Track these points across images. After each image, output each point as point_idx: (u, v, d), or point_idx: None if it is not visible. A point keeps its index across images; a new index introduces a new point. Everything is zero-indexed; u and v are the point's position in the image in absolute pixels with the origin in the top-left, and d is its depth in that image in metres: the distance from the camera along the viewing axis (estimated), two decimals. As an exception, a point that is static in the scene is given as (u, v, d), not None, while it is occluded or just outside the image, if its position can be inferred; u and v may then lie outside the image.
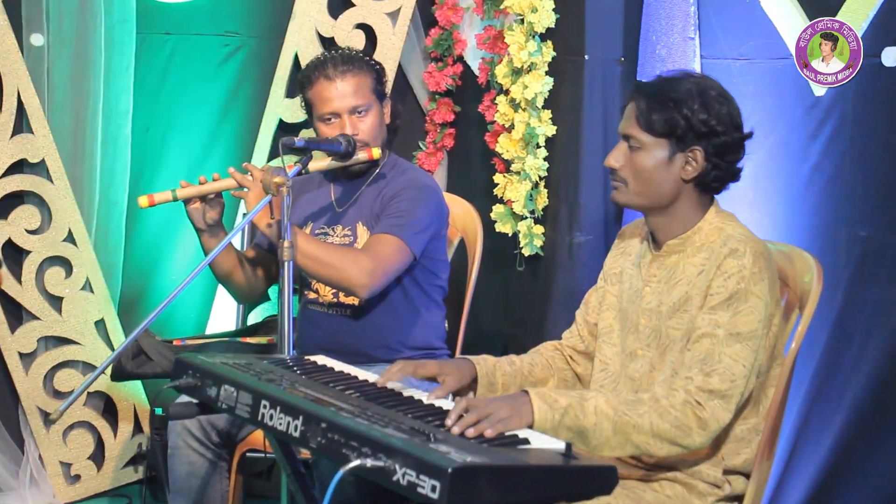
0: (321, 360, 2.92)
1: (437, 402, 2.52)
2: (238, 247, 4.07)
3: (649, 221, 2.83)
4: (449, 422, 2.34)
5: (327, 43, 4.48)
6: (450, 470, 1.95)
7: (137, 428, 4.57)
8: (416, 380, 2.77)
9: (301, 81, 3.60)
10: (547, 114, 4.22)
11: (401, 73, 4.57)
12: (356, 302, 3.52)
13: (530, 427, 2.44)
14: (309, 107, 3.57)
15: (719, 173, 2.74)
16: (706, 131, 2.69)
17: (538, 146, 4.22)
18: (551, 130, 4.22)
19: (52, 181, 4.36)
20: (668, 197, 2.76)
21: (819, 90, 3.77)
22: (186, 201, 3.36)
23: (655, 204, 2.78)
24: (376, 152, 3.49)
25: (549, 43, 4.21)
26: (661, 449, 2.57)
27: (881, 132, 3.69)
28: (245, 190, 3.30)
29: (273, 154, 4.49)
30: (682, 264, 2.76)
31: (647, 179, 2.74)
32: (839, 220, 3.76)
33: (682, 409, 2.56)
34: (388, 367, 2.71)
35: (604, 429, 2.52)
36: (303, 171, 3.28)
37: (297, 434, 2.30)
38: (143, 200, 3.33)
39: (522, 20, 4.18)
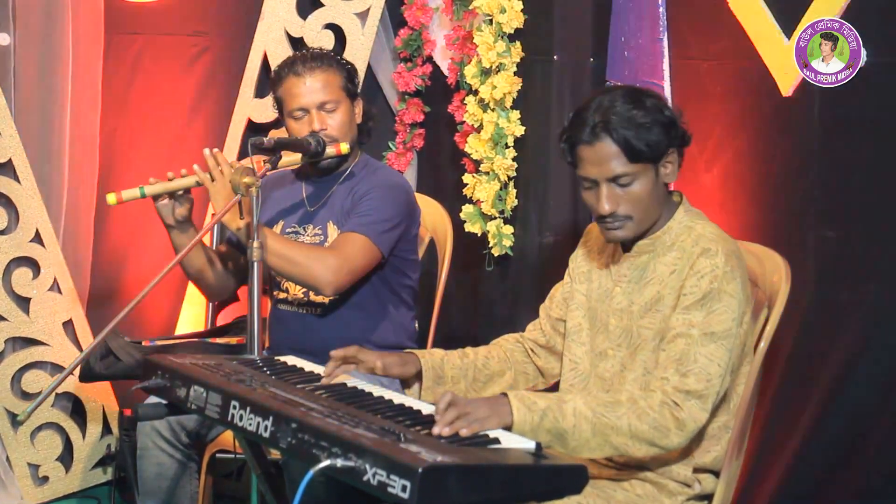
0: (291, 360, 2.92)
1: (408, 402, 2.52)
2: (207, 244, 4.06)
3: None
4: (438, 416, 2.34)
5: (296, 43, 4.48)
6: (420, 470, 1.95)
7: (106, 429, 4.55)
8: (374, 376, 2.78)
9: (272, 80, 3.63)
10: (516, 114, 4.23)
11: (370, 73, 4.57)
12: (325, 301, 3.52)
13: (509, 429, 2.44)
14: (280, 105, 3.59)
15: (682, 157, 2.78)
16: (674, 130, 2.71)
17: (507, 146, 4.22)
18: (520, 131, 4.22)
19: (18, 181, 4.33)
20: (661, 208, 2.77)
21: (786, 91, 3.78)
22: (155, 198, 3.38)
23: (651, 222, 2.78)
24: (344, 147, 3.51)
25: (518, 43, 4.22)
26: (640, 450, 2.58)
27: (848, 133, 3.71)
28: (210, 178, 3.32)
29: (242, 154, 4.48)
30: (653, 264, 2.77)
31: (648, 204, 2.74)
32: (806, 221, 3.77)
33: (659, 410, 2.57)
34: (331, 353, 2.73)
35: (583, 430, 2.52)
36: (271, 171, 3.28)
37: (266, 434, 2.30)
38: (111, 197, 3.37)
39: (491, 21, 4.18)
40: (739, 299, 2.66)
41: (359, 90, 3.68)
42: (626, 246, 2.84)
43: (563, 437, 2.52)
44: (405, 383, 2.90)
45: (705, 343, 2.62)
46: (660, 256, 2.77)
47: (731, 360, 2.66)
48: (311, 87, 3.51)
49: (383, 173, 3.64)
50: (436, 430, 2.30)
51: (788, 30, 3.77)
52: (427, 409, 2.45)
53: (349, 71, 3.62)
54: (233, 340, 3.85)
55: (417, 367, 2.87)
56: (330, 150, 3.49)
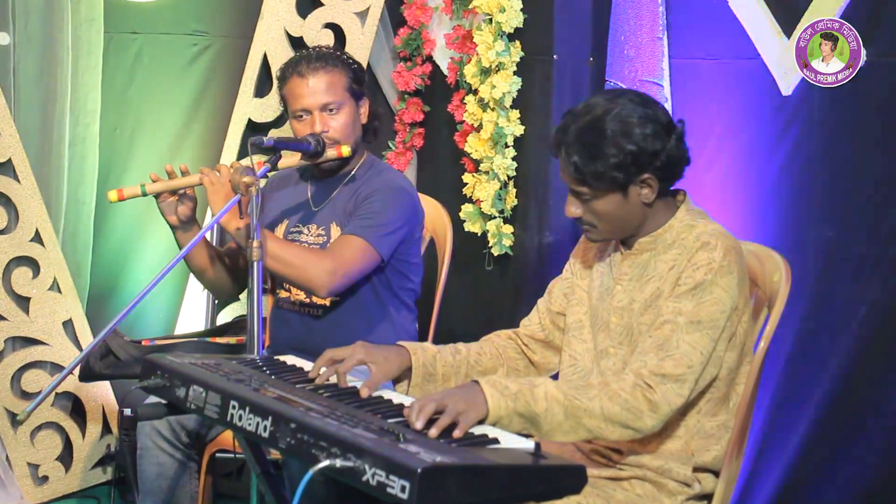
0: (291, 360, 2.92)
1: (408, 403, 2.51)
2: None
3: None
4: (416, 422, 2.32)
5: (296, 42, 4.47)
6: (419, 470, 1.94)
7: (106, 429, 4.55)
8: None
9: (278, 77, 3.61)
10: (515, 113, 4.23)
11: (370, 72, 4.56)
12: (326, 302, 3.52)
13: (486, 416, 2.43)
14: (285, 103, 3.58)
15: (675, 178, 2.76)
16: (646, 161, 2.67)
17: (507, 146, 4.22)
18: (520, 130, 4.23)
19: (18, 181, 4.32)
20: (639, 220, 2.77)
21: (786, 90, 3.78)
22: (156, 196, 3.38)
23: (632, 230, 2.79)
24: (346, 150, 3.49)
25: (518, 43, 4.22)
26: (613, 432, 2.57)
27: (847, 133, 3.71)
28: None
29: (242, 154, 4.48)
30: (654, 261, 2.77)
31: (612, 219, 2.74)
32: (806, 221, 3.78)
33: (631, 392, 2.56)
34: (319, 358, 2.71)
35: (555, 414, 2.51)
36: (271, 171, 3.28)
37: (266, 434, 2.29)
38: (112, 194, 3.38)
39: (491, 20, 4.18)
40: (733, 295, 2.66)
41: (365, 89, 3.65)
42: (627, 244, 2.84)
43: (535, 420, 2.50)
44: (395, 378, 2.88)
45: (690, 331, 2.62)
46: (661, 254, 2.76)
47: (713, 351, 2.65)
48: (313, 89, 3.49)
49: (388, 176, 3.62)
50: (417, 424, 2.28)
51: (788, 30, 3.78)
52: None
53: (355, 71, 3.59)
54: (233, 340, 3.84)
55: (402, 363, 2.84)
56: (331, 153, 3.47)
